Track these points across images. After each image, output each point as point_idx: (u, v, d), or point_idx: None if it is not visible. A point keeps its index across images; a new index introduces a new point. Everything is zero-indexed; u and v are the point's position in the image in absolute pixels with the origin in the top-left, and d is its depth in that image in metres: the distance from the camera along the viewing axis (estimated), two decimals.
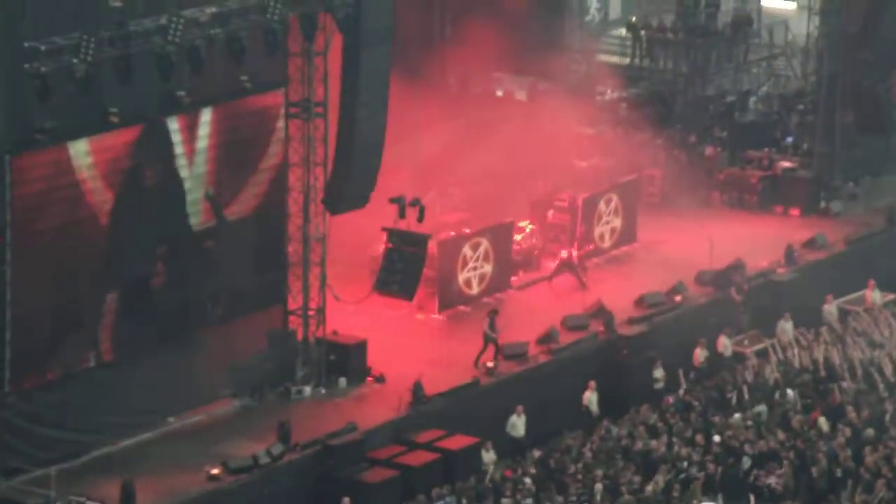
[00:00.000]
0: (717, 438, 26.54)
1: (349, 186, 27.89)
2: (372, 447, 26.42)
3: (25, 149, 24.19)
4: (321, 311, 28.21)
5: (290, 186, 27.87)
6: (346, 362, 28.29)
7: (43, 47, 23.29)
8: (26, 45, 23.27)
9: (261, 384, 27.53)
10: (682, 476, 25.51)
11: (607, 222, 33.54)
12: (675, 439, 26.64)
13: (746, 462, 25.79)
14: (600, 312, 30.57)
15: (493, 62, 34.54)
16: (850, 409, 27.18)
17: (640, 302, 31.23)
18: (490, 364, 28.72)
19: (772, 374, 29.00)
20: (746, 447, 26.03)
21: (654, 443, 26.54)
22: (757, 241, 33.61)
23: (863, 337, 30.18)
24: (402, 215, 30.26)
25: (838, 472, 25.32)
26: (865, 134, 36.35)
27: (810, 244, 33.83)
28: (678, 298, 31.43)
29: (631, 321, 30.54)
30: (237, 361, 27.38)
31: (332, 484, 25.56)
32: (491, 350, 28.93)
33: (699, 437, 26.64)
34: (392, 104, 28.05)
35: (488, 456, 26.83)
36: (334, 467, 25.75)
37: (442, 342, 29.81)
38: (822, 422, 26.80)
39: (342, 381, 28.21)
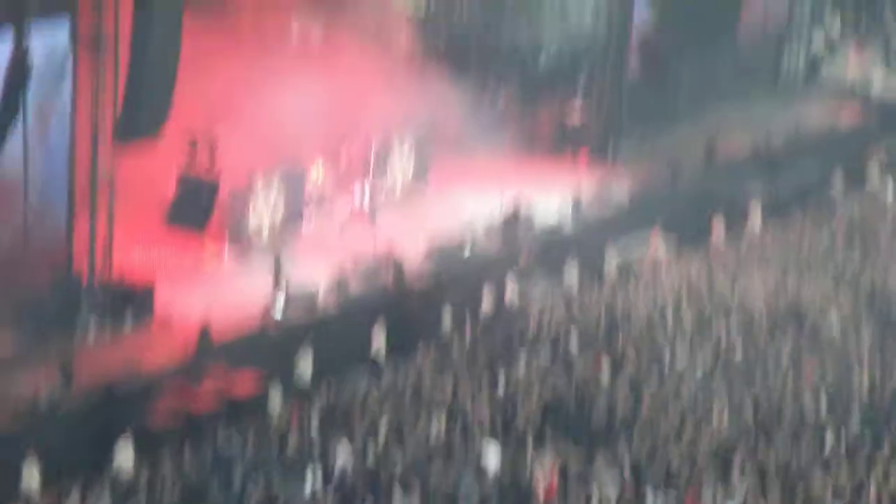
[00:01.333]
0: (501, 381, 26.91)
1: (140, 116, 27.29)
2: (157, 392, 26.12)
3: None
4: (108, 252, 27.72)
5: (78, 122, 27.24)
6: (133, 305, 27.84)
7: None
8: None
9: (44, 326, 26.97)
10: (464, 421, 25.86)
11: (400, 164, 33.66)
12: (460, 384, 26.92)
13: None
14: (390, 257, 30.70)
15: (289, 3, 34.23)
16: (631, 352, 27.81)
17: (430, 246, 31.46)
18: (279, 308, 28.61)
19: (556, 318, 29.50)
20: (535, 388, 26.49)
21: (439, 388, 26.78)
22: (547, 188, 34.16)
23: (646, 284, 30.93)
24: (192, 156, 29.98)
25: (618, 414, 25.90)
26: (650, 87, 37.20)
27: (596, 193, 34.50)
28: (467, 243, 31.76)
29: (421, 266, 30.76)
30: (20, 302, 26.80)
31: (115, 430, 25.17)
32: (280, 294, 28.84)
33: (484, 383, 26.97)
34: (186, 41, 27.61)
35: (275, 399, 26.76)
36: (118, 413, 25.40)
37: (231, 286, 29.57)
38: (605, 366, 27.37)
39: (128, 323, 27.81)
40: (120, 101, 27.06)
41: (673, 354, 27.70)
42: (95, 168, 27.35)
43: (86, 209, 27.46)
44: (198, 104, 30.22)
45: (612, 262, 32.53)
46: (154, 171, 29.56)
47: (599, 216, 33.87)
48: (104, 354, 26.98)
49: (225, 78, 31.23)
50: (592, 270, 32.13)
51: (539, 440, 24.84)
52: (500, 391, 26.62)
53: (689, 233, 33.79)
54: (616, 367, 27.28)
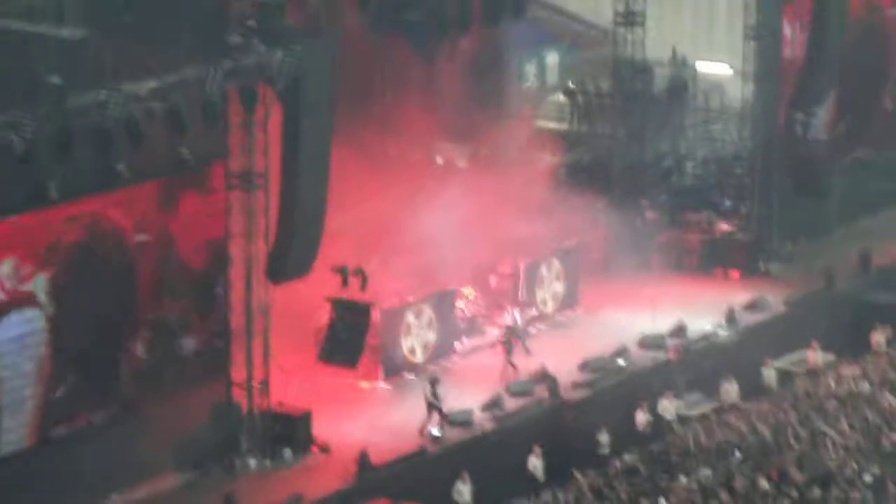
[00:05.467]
0: (662, 502, 26.56)
1: (291, 256, 27.89)
2: None
3: None
4: (265, 382, 28.11)
5: (232, 258, 27.84)
6: (291, 433, 28.20)
7: None
8: None
9: (205, 457, 27.35)
10: None
11: (549, 287, 33.70)
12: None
13: None
14: (544, 378, 30.65)
15: (432, 130, 34.72)
16: (794, 470, 27.29)
17: (583, 366, 31.36)
18: (435, 432, 28.69)
19: (715, 436, 29.10)
20: None
21: None
22: (698, 304, 33.89)
23: (806, 400, 30.38)
24: (344, 284, 30.38)
25: None
26: (802, 197, 36.80)
27: (751, 306, 34.14)
28: (621, 362, 31.57)
29: (575, 386, 30.64)
30: (181, 435, 27.19)
31: None
32: (435, 417, 28.93)
33: (645, 502, 26.64)
34: (332, 173, 28.12)
35: None
36: None
37: (387, 410, 29.77)
38: (765, 484, 26.89)
39: (287, 452, 28.10)
40: (271, 237, 27.65)
41: (840, 465, 27.12)
42: (250, 300, 27.83)
43: (242, 340, 27.90)
44: (347, 234, 30.70)
45: (770, 376, 32.09)
46: (306, 300, 29.99)
47: (755, 329, 33.43)
48: (265, 483, 27.23)
49: (372, 207, 31.70)
50: (750, 384, 31.72)
51: None
52: None
53: (848, 343, 33.24)
54: (781, 481, 26.79)
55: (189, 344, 27.20)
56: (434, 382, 29.22)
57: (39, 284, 24.99)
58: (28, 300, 24.96)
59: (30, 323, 25.08)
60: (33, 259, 24.96)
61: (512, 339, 31.37)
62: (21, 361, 25.11)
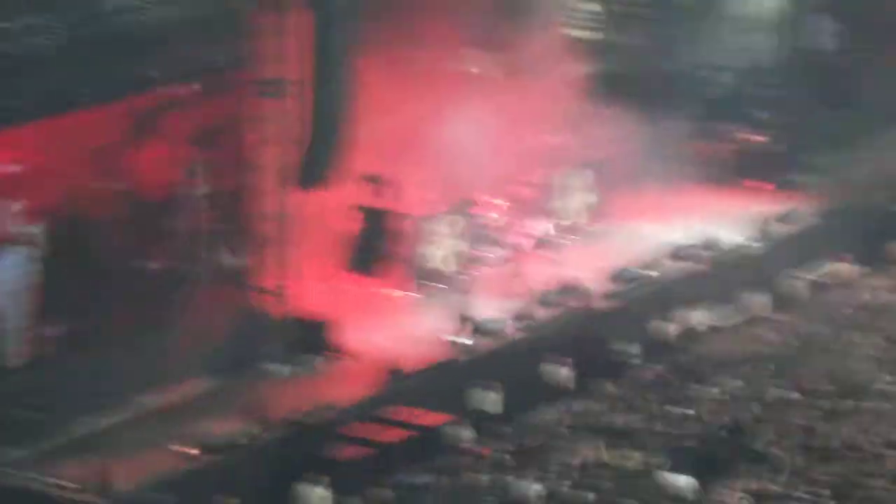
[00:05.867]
0: (691, 413, 26.61)
1: (320, 163, 27.82)
2: (346, 425, 26.38)
3: None
4: (293, 289, 28.13)
5: (262, 165, 27.78)
6: (319, 340, 28.27)
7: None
8: None
9: (232, 364, 27.44)
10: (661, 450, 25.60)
11: (580, 198, 33.57)
12: (651, 414, 26.69)
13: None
14: (574, 288, 30.60)
15: (461, 39, 34.41)
16: (824, 382, 27.29)
17: (614, 277, 31.31)
18: (465, 340, 28.72)
19: (746, 348, 29.11)
20: (724, 418, 26.12)
21: (630, 417, 26.58)
22: (729, 215, 33.76)
23: (837, 311, 30.36)
24: (374, 193, 30.30)
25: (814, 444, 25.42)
26: (832, 108, 36.53)
27: (782, 218, 33.98)
28: (652, 273, 31.50)
29: (605, 296, 30.61)
30: (209, 341, 27.27)
31: (307, 462, 25.51)
32: (465, 326, 28.93)
33: (674, 412, 26.68)
34: (361, 82, 27.95)
35: (465, 433, 26.80)
36: (309, 445, 25.72)
37: (416, 319, 29.80)
38: (795, 395, 26.90)
39: (315, 359, 28.18)
40: (303, 145, 27.62)
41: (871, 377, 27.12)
42: (279, 206, 27.81)
43: (271, 247, 27.91)
44: (376, 142, 30.54)
45: (801, 287, 32.00)
46: (336, 208, 29.94)
47: (786, 241, 33.31)
48: (293, 390, 27.33)
49: (401, 116, 31.49)
50: (781, 295, 31.65)
51: (732, 470, 24.46)
52: (691, 419, 26.34)
53: (879, 255, 33.10)
54: (811, 393, 26.80)
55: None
56: (464, 291, 29.21)
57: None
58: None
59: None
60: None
61: (518, 259, 31.19)
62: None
